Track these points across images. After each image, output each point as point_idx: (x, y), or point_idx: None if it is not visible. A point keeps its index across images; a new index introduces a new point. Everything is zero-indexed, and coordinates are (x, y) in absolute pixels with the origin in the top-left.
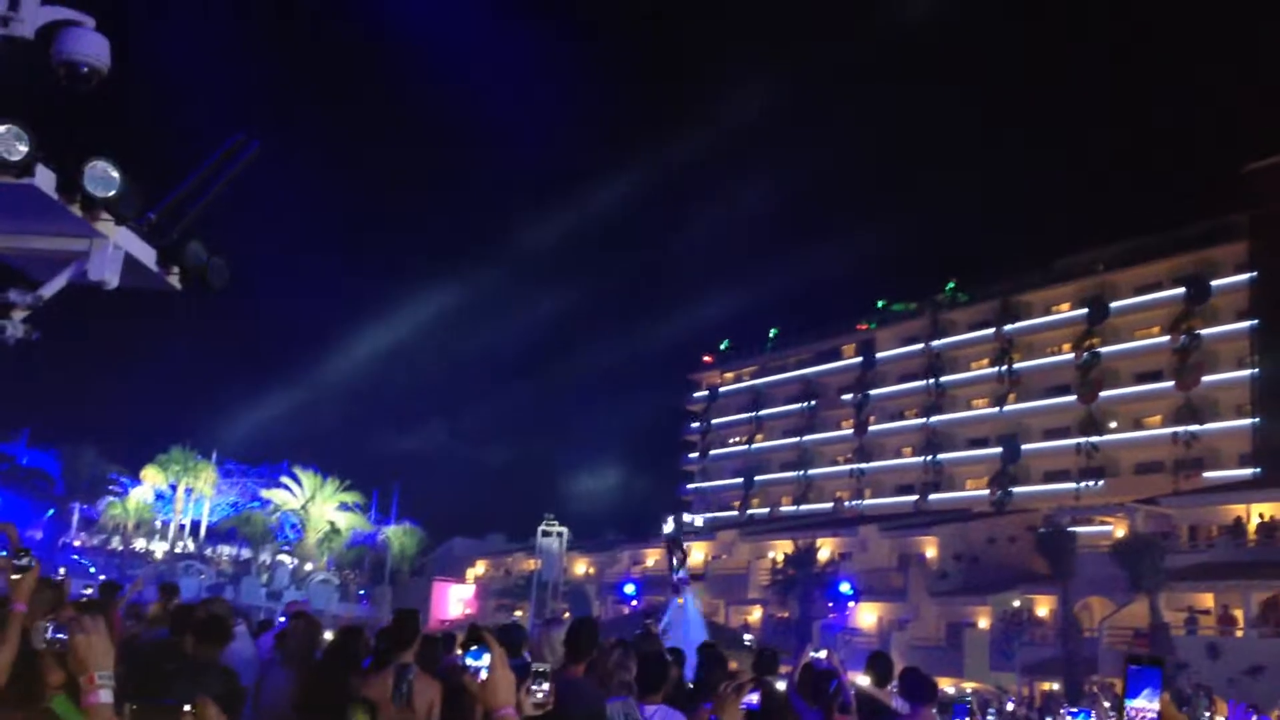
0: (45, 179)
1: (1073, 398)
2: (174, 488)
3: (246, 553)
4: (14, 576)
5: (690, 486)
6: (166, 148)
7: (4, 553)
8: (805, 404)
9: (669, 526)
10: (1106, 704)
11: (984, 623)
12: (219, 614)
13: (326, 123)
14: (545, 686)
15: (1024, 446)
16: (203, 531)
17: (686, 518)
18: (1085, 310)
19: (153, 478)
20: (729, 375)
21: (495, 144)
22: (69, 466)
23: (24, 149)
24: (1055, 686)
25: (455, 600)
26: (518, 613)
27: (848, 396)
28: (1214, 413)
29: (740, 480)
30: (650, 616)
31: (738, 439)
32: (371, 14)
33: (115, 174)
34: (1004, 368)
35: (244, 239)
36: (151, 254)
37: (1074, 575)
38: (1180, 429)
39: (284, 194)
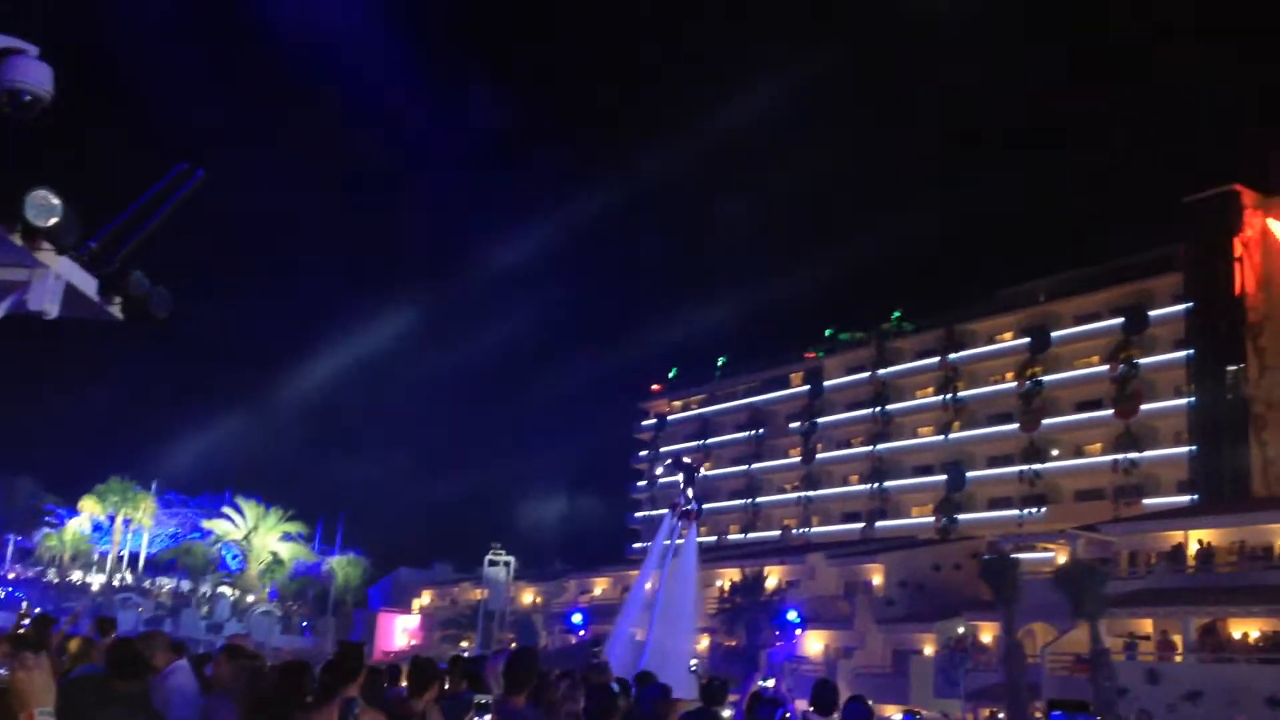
0: None
1: (1015, 426)
2: (112, 519)
3: (186, 584)
4: None
5: (638, 515)
6: (109, 176)
7: None
8: (753, 432)
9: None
10: None
11: (929, 650)
12: (137, 649)
13: (274, 143)
14: (487, 718)
15: (968, 474)
16: (141, 563)
17: (637, 545)
18: (1028, 339)
19: (90, 508)
20: (677, 403)
21: (440, 169)
22: (4, 496)
23: None
24: (1001, 715)
25: (400, 631)
26: (464, 643)
27: (795, 425)
28: (1153, 440)
29: None
30: (598, 645)
31: None
32: (324, 29)
33: (56, 203)
34: (949, 396)
35: (186, 263)
36: (93, 283)
37: (1017, 602)
38: (1120, 456)
39: (228, 217)
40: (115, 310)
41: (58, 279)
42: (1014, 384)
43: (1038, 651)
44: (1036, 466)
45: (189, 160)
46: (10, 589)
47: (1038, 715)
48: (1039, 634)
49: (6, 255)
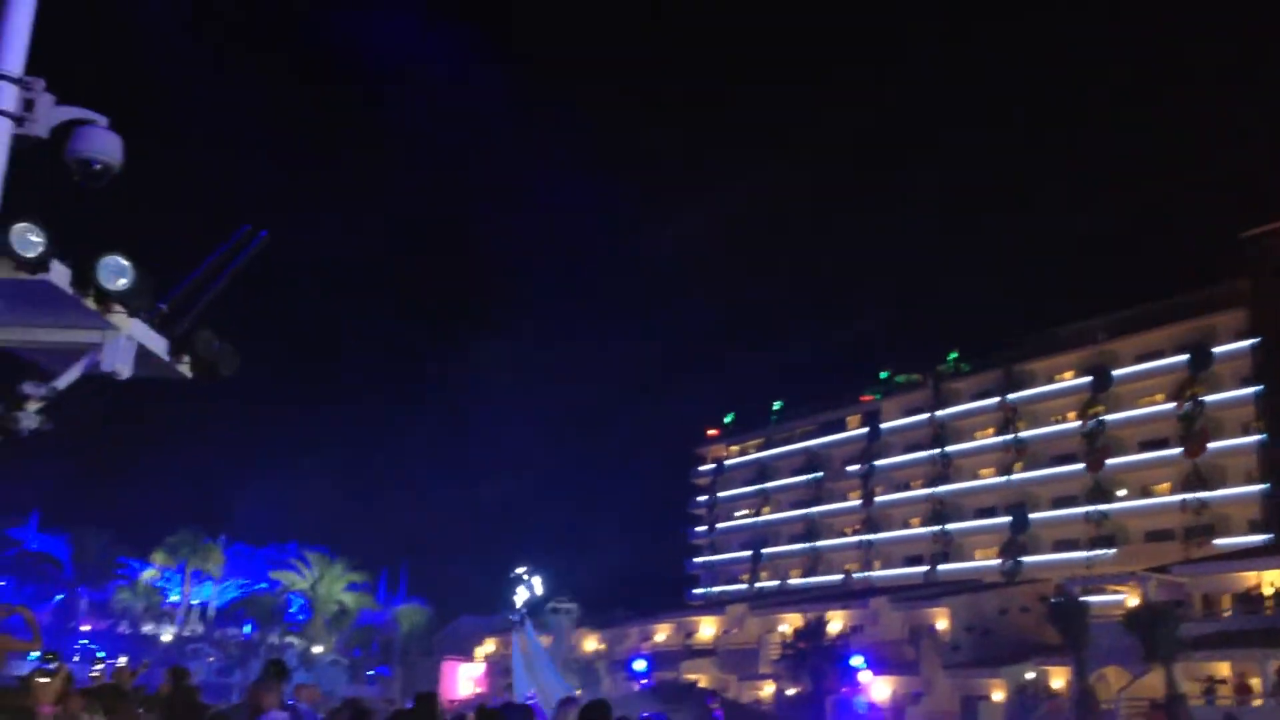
0: (60, 274)
1: (1080, 466)
2: (181, 570)
3: (255, 634)
4: (41, 680)
5: (698, 560)
6: (175, 240)
7: (20, 635)
8: (811, 476)
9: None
10: None
11: (998, 695)
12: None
13: (332, 193)
14: None
15: (1032, 515)
16: (211, 614)
17: (698, 590)
18: (1089, 378)
19: (161, 561)
20: (734, 448)
21: (497, 215)
22: (78, 550)
23: (39, 245)
24: None
25: (465, 679)
26: (530, 691)
27: (853, 468)
28: (1222, 479)
29: (748, 553)
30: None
31: (745, 512)
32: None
33: (128, 267)
34: (1010, 436)
35: (251, 316)
36: (163, 344)
37: (1088, 646)
38: (1189, 496)
39: (285, 267)
40: (184, 369)
41: (129, 340)
42: (1076, 424)
43: (1112, 697)
44: (1103, 507)
45: (250, 224)
46: (85, 641)
47: None
48: (1112, 679)
49: (81, 319)
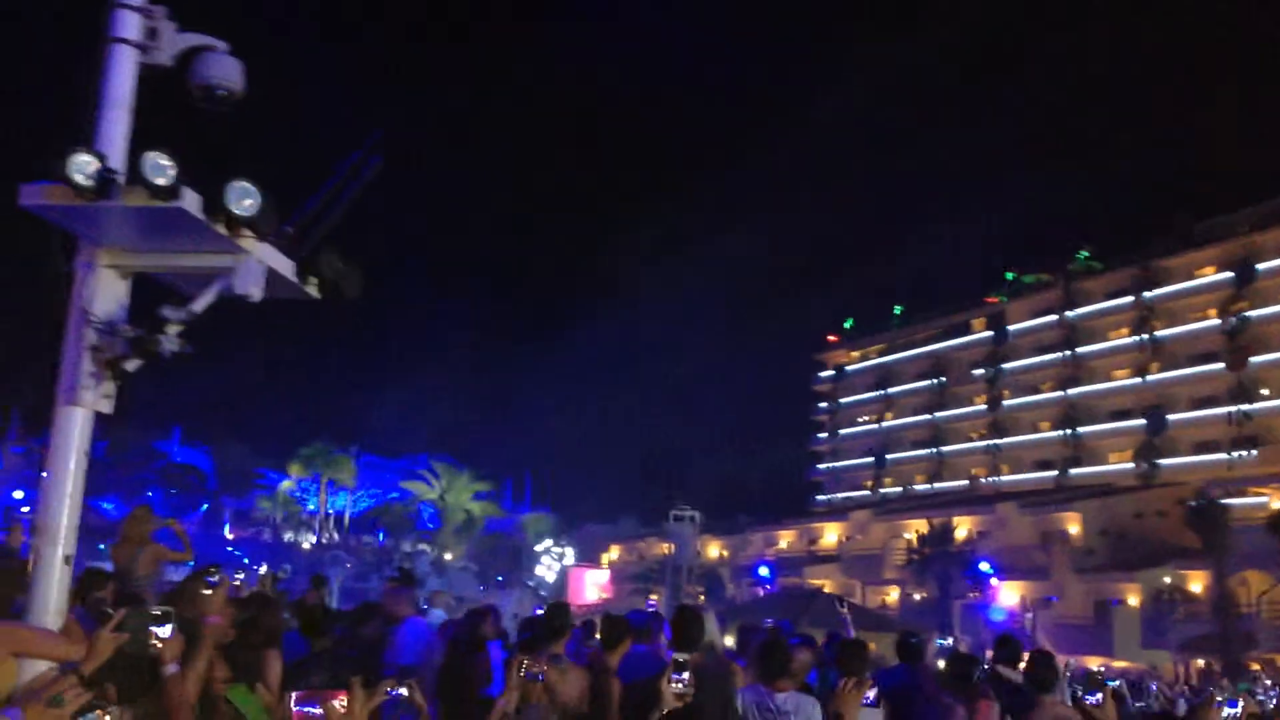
0: (191, 201)
1: (1220, 365)
2: (316, 481)
3: (389, 542)
4: (205, 592)
5: (821, 467)
6: (296, 162)
7: (169, 545)
8: (935, 380)
9: None
10: (1269, 681)
11: (1134, 600)
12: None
13: (463, 128)
14: (685, 676)
15: (1170, 417)
16: (346, 522)
17: (820, 497)
18: (1230, 273)
19: (297, 472)
20: (855, 354)
21: (625, 121)
22: (219, 463)
23: (171, 173)
24: (1215, 666)
25: (591, 585)
26: (653, 596)
27: (979, 371)
28: None
29: (871, 459)
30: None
31: (867, 418)
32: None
33: (255, 192)
34: (1145, 336)
35: (373, 242)
36: (290, 266)
37: (1228, 549)
38: None
39: (409, 194)
40: (312, 290)
41: (259, 264)
42: (1217, 321)
43: (1252, 600)
44: (1246, 407)
45: (369, 144)
46: (231, 548)
47: (1254, 666)
48: (1253, 583)
49: (212, 244)
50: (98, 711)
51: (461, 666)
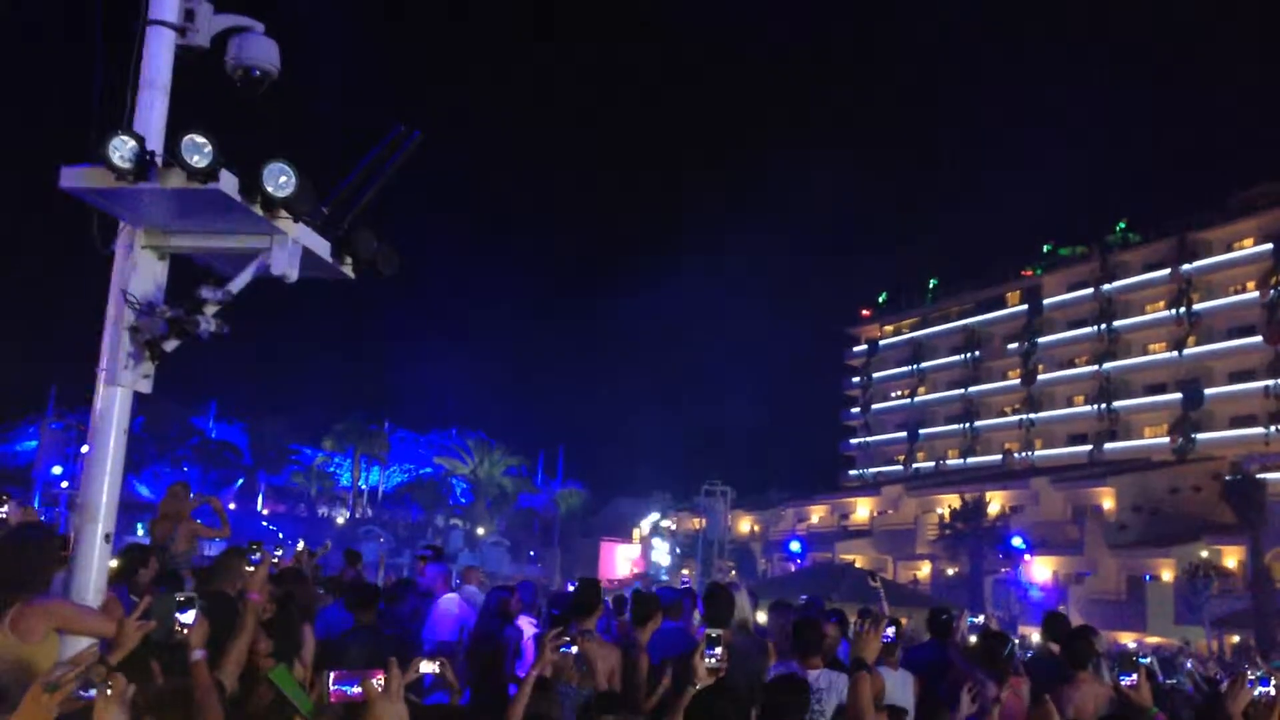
0: (229, 183)
1: (1259, 339)
2: (350, 456)
3: (422, 517)
4: (246, 569)
5: (853, 442)
6: (330, 143)
7: (204, 522)
8: (968, 355)
9: None
10: None
11: (1167, 575)
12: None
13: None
14: (718, 651)
15: (1207, 391)
16: (380, 497)
17: (853, 472)
18: (1270, 246)
19: (330, 447)
20: (888, 328)
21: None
22: (254, 438)
23: (208, 155)
24: (1251, 642)
25: (623, 560)
26: (685, 571)
27: (1014, 345)
28: None
29: (904, 434)
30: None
31: (900, 393)
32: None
33: (291, 173)
34: (1182, 309)
35: (411, 215)
36: (326, 246)
37: (1265, 524)
38: None
39: (434, 178)
40: (348, 270)
41: (295, 244)
42: (1256, 294)
43: None
44: None
45: (403, 124)
46: (266, 523)
47: None
48: None
49: (250, 225)
50: (104, 679)
51: (490, 642)
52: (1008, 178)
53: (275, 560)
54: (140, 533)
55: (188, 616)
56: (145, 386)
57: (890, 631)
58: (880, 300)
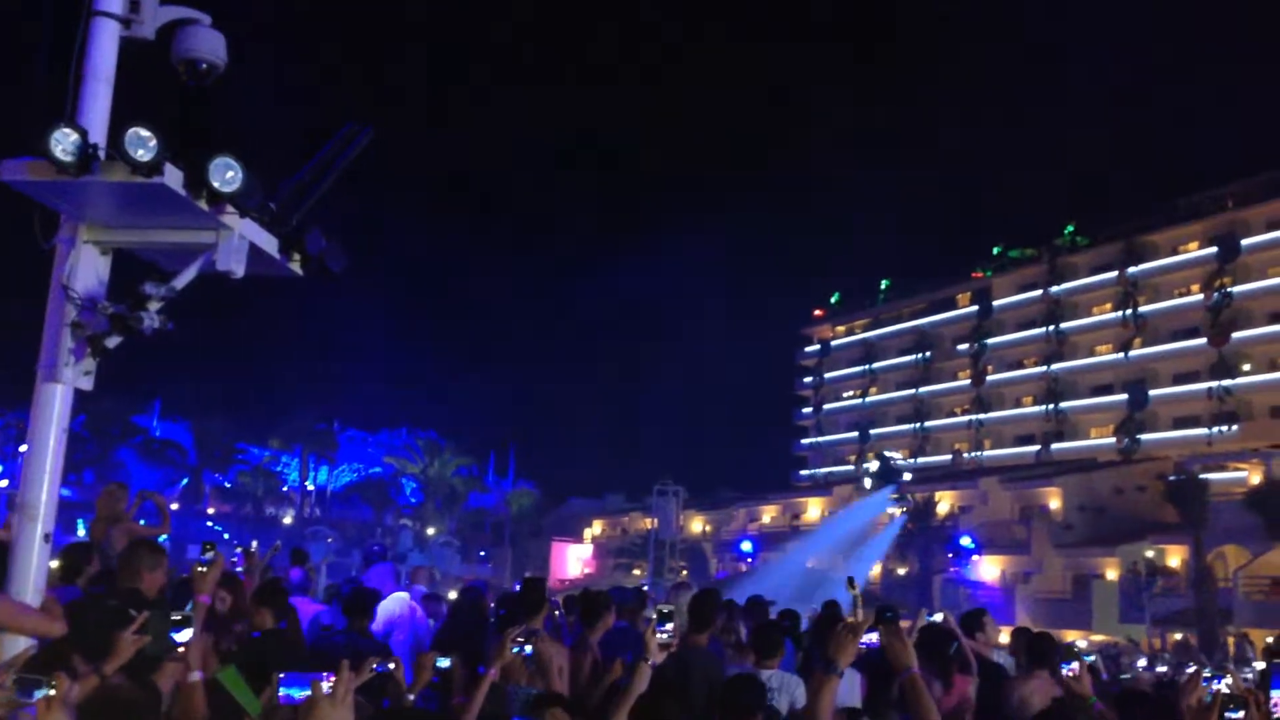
0: (174, 177)
1: (1203, 340)
2: (298, 455)
3: (372, 517)
4: (199, 569)
5: (805, 442)
6: (279, 138)
7: (147, 521)
8: (920, 355)
9: None
10: (1249, 656)
11: (1112, 574)
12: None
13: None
14: (669, 627)
15: (1152, 392)
16: (328, 497)
17: (804, 472)
18: (1215, 249)
19: (277, 446)
20: (840, 328)
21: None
22: (199, 437)
23: (153, 149)
24: (1192, 640)
25: (574, 560)
26: (635, 571)
27: (964, 346)
28: None
29: (855, 434)
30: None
31: (851, 393)
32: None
33: (238, 168)
34: (1129, 312)
35: (356, 210)
36: (274, 243)
37: (1207, 524)
38: None
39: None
40: (296, 267)
41: (242, 240)
42: (1200, 297)
43: (1229, 575)
44: (1227, 383)
45: (354, 121)
46: (211, 523)
47: (1230, 640)
48: (1230, 557)
49: (195, 220)
50: (48, 683)
51: (471, 643)
52: (959, 182)
53: (235, 561)
54: (81, 532)
55: (182, 636)
56: (86, 384)
57: (872, 638)
58: (833, 300)
